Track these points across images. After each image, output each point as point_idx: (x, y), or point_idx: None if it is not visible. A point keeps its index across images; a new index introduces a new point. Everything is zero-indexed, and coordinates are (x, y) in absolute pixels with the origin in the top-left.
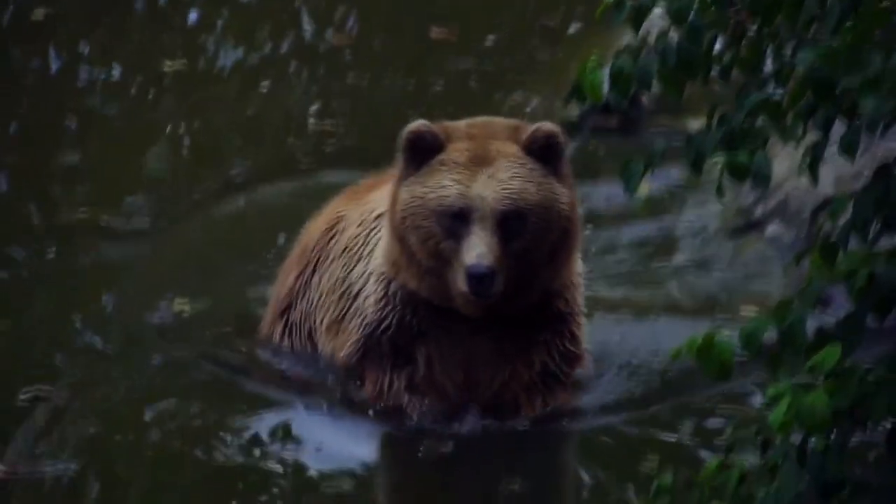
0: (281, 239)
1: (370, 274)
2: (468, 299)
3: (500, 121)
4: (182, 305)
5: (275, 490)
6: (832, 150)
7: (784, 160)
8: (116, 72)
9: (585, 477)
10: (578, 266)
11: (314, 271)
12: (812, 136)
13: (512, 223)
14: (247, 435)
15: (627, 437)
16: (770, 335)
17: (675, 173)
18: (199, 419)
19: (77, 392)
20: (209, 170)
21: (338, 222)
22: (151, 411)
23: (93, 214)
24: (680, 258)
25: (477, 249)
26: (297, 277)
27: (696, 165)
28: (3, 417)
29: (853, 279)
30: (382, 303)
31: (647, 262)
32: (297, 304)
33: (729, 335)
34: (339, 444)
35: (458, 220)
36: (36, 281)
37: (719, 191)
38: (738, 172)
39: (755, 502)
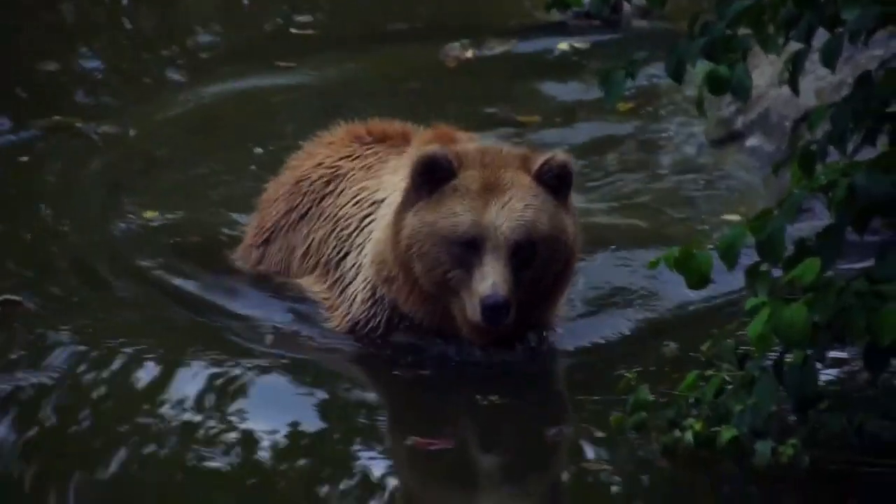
0: (258, 148)
1: (359, 270)
2: (478, 328)
3: (509, 149)
4: (151, 214)
5: (248, 407)
6: (815, 60)
7: (765, 71)
8: None
9: (566, 394)
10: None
11: (303, 217)
12: (794, 46)
13: (523, 253)
14: (220, 350)
15: (609, 358)
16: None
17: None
18: (170, 335)
19: (47, 301)
20: (188, 75)
21: (335, 178)
22: (120, 324)
23: (67, 120)
24: (660, 168)
25: (491, 279)
26: (285, 214)
27: (677, 74)
28: None
29: (833, 191)
30: (370, 303)
31: (628, 174)
32: (278, 240)
33: (707, 246)
34: (317, 365)
35: (469, 248)
36: (7, 187)
37: (700, 106)
38: (717, 86)
39: (732, 416)
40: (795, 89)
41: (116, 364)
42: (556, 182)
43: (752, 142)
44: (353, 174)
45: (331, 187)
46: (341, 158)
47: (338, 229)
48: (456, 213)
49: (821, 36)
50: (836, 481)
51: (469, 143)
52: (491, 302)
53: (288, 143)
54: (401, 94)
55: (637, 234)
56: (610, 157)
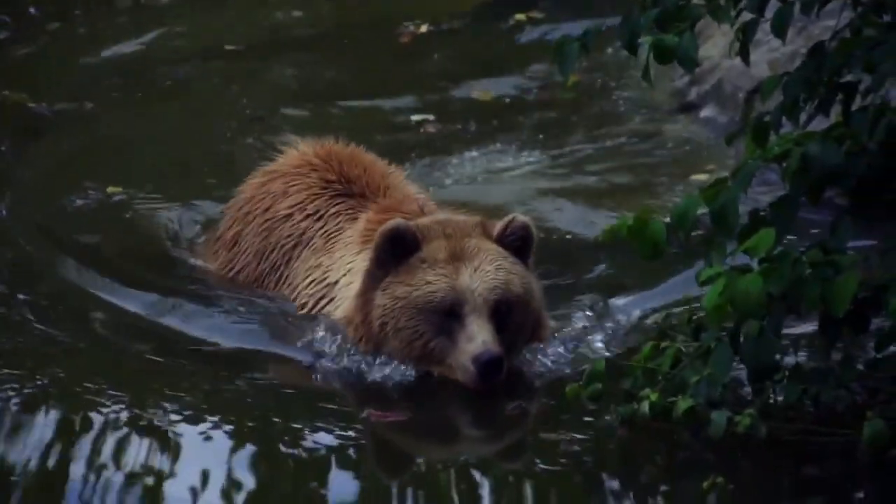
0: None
1: (327, 330)
2: (470, 387)
3: (465, 218)
4: (114, 189)
5: (190, 391)
6: (768, 30)
7: (718, 42)
8: None
9: (526, 371)
10: None
11: (271, 272)
12: (747, 17)
13: (501, 315)
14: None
15: (569, 333)
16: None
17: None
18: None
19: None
20: (135, 27)
21: (300, 243)
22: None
23: (17, 98)
24: (615, 140)
25: (481, 336)
26: (255, 257)
27: (631, 46)
28: None
29: (787, 161)
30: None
31: (580, 145)
32: (245, 276)
33: (660, 216)
34: (266, 350)
35: (448, 315)
36: None
37: (646, 75)
38: (663, 55)
39: (688, 388)
40: (746, 60)
41: (15, 399)
42: (519, 244)
43: (706, 113)
44: (314, 242)
45: (296, 251)
46: (308, 217)
47: (296, 303)
48: (430, 282)
49: (773, 6)
50: (791, 451)
51: (423, 216)
52: (486, 357)
53: (243, 104)
54: (355, 68)
55: (594, 203)
56: (563, 128)
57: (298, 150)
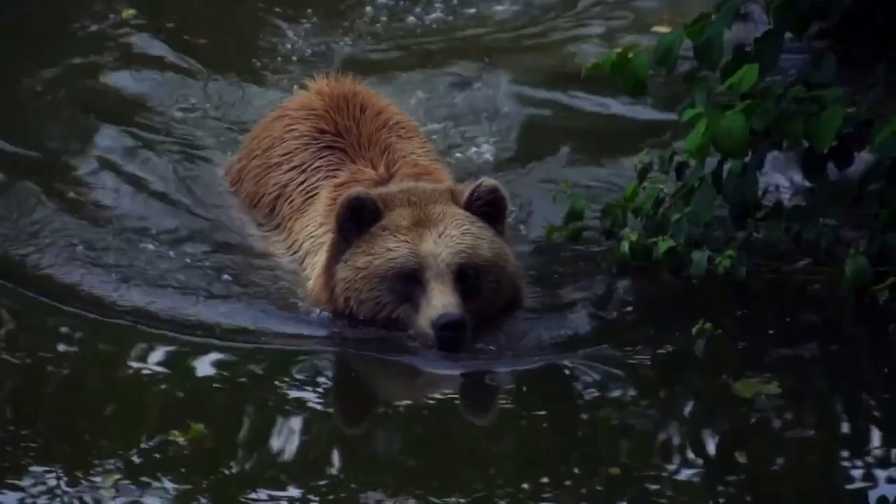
0: None
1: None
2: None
3: (431, 185)
4: (129, 14)
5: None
6: None
7: None
8: None
9: None
10: None
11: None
12: None
13: (469, 280)
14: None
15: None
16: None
17: None
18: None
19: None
20: None
21: (282, 195)
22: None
23: None
24: None
25: (443, 300)
26: (250, 201)
27: None
28: None
29: None
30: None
31: None
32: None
33: (644, 49)
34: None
35: (411, 282)
36: None
37: None
38: None
39: (670, 225)
40: None
41: None
42: (489, 209)
43: None
44: (293, 198)
45: (278, 203)
46: (293, 168)
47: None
48: (391, 249)
49: None
50: (773, 290)
51: (387, 184)
52: (444, 321)
53: None
54: None
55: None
56: None
57: (307, 90)
